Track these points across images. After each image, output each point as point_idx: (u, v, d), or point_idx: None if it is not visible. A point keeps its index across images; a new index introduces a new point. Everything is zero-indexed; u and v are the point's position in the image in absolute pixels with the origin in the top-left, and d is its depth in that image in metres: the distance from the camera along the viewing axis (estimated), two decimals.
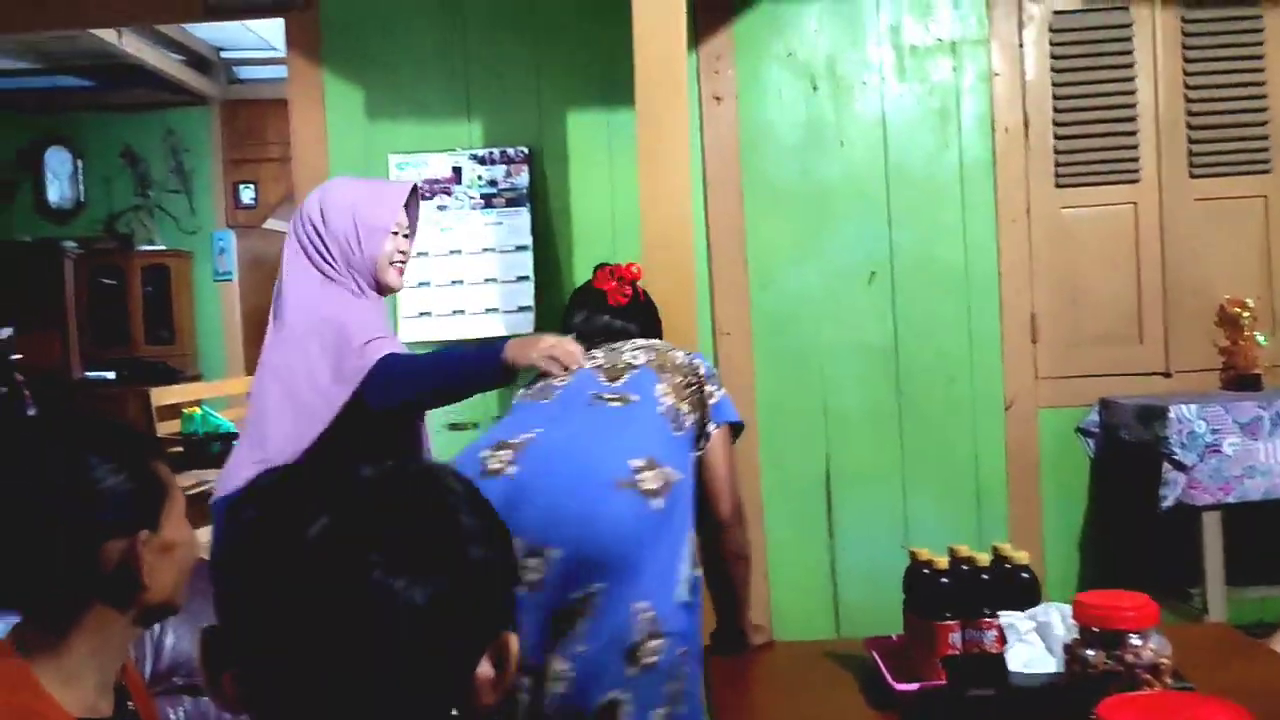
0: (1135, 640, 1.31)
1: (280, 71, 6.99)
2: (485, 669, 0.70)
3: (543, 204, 3.14)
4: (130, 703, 1.12)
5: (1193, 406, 2.72)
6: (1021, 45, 3.10)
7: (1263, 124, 3.10)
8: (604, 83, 3.10)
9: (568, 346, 1.91)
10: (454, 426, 3.05)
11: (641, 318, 2.12)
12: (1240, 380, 3.01)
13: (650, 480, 1.60)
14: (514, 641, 0.73)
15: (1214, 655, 1.73)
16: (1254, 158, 3.10)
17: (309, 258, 2.06)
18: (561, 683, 1.57)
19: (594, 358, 1.91)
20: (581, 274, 2.97)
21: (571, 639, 1.57)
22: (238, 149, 7.29)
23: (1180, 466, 2.72)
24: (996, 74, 3.10)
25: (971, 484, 3.12)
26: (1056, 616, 1.47)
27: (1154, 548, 2.96)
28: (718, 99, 3.12)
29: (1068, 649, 1.36)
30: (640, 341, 1.98)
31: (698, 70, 3.09)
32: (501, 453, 1.64)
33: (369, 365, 1.94)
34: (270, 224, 7.10)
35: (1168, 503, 2.73)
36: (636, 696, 1.57)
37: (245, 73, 7.25)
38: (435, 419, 2.67)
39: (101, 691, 1.05)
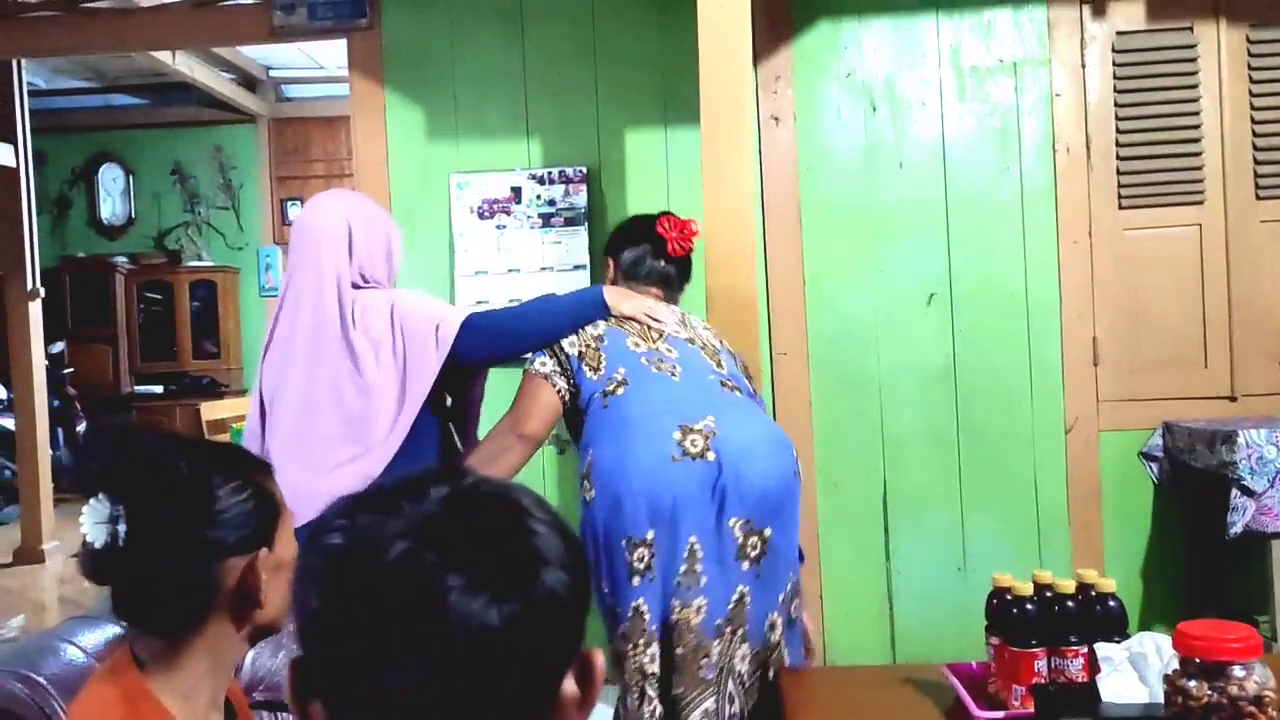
0: (1239, 672, 1.28)
1: (327, 90, 7.12)
2: (570, 687, 0.70)
3: (601, 223, 3.15)
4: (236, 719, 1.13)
5: (1262, 431, 2.68)
6: (1084, 65, 3.07)
7: None
8: (661, 102, 3.11)
9: (662, 313, 2.08)
10: None
11: (685, 270, 2.29)
12: None
13: (799, 470, 1.94)
14: (599, 658, 0.73)
15: None
16: None
17: (341, 268, 2.05)
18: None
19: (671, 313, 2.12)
20: None
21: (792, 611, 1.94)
22: (284, 166, 7.39)
23: (1249, 492, 2.68)
24: (1058, 95, 3.08)
25: (1031, 508, 3.08)
26: (1152, 647, 1.44)
27: (1219, 574, 2.90)
28: (776, 119, 3.12)
29: (1168, 680, 1.33)
30: (695, 318, 2.15)
31: (756, 91, 3.09)
32: (694, 437, 1.85)
33: (450, 337, 1.99)
34: None
35: (1236, 529, 2.69)
36: (789, 640, 1.94)
37: (292, 91, 7.35)
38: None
39: (213, 707, 1.07)
